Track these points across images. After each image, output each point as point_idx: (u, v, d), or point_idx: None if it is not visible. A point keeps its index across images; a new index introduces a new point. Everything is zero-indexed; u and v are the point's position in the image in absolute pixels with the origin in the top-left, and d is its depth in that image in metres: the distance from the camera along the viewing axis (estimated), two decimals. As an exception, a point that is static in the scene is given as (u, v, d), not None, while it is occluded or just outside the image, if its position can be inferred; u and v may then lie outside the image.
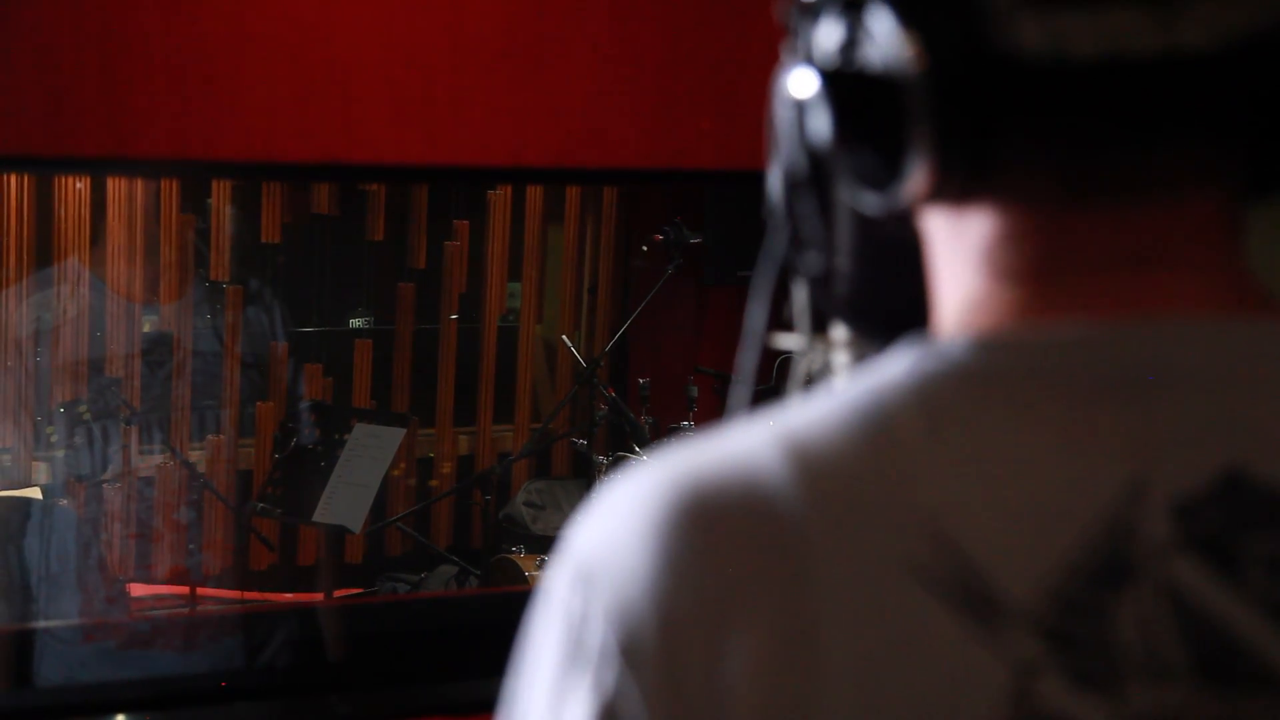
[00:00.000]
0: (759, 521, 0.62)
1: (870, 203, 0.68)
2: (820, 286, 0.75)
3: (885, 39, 0.64)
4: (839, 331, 0.97)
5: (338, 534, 3.29)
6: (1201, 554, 0.61)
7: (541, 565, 3.62)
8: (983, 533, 0.61)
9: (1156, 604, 0.60)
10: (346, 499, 3.12)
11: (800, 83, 0.69)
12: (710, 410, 3.97)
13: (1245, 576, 0.61)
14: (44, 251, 3.83)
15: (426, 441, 4.43)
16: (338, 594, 3.64)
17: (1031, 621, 0.60)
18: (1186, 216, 0.65)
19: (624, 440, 3.88)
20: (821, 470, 0.63)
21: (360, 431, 3.18)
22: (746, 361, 0.83)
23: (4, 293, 3.76)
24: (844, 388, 0.67)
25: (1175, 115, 0.64)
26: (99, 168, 3.07)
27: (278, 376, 3.99)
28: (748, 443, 0.65)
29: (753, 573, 0.62)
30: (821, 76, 0.67)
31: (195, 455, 3.92)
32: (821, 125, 0.68)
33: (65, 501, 3.48)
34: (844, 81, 0.66)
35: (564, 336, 4.29)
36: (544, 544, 3.96)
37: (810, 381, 0.97)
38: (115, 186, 3.81)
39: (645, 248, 4.09)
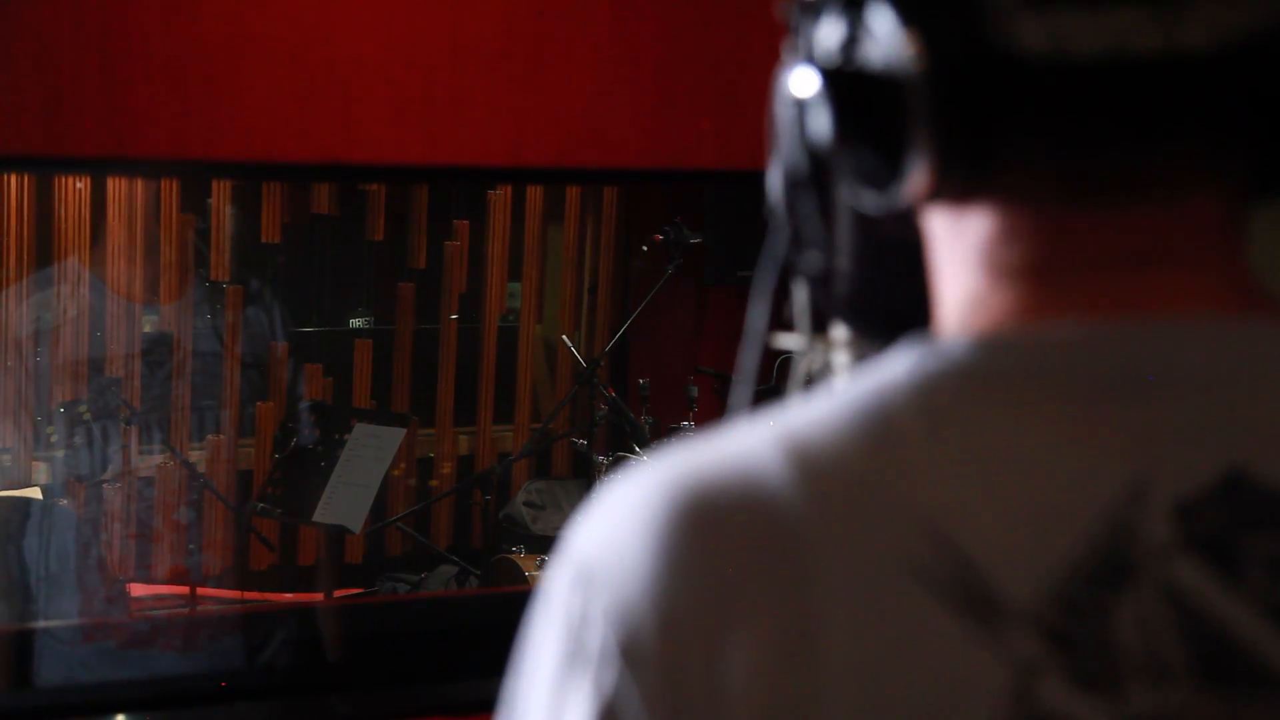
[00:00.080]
0: (759, 522, 0.62)
1: (870, 202, 0.68)
2: (820, 286, 0.75)
3: (886, 38, 0.64)
4: (839, 331, 0.97)
5: (338, 534, 3.29)
6: (1202, 554, 0.61)
7: (541, 565, 3.62)
8: (983, 533, 0.61)
9: (1157, 604, 0.60)
10: (346, 499, 3.12)
11: (801, 81, 0.69)
12: (710, 410, 3.97)
13: (1246, 577, 0.61)
14: (44, 251, 3.82)
15: (426, 441, 4.43)
16: (338, 594, 3.64)
17: (1032, 622, 0.60)
18: (1187, 216, 0.65)
19: (624, 440, 3.88)
20: (822, 471, 0.63)
21: (360, 431, 3.18)
22: (747, 361, 0.83)
23: (4, 293, 3.76)
24: (844, 388, 0.67)
25: (1175, 115, 0.64)
26: (99, 168, 3.07)
27: (278, 376, 3.99)
28: (748, 443, 0.65)
29: (753, 573, 0.62)
30: (822, 75, 0.67)
31: (195, 455, 3.92)
32: (822, 124, 0.68)
33: (65, 501, 3.48)
34: (844, 80, 0.66)
35: (564, 336, 4.29)
36: (544, 544, 3.96)
37: (810, 381, 0.97)
38: (115, 186, 3.81)
39: (645, 248, 4.09)
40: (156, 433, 3.71)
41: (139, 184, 3.78)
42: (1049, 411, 0.63)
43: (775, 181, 0.73)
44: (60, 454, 3.56)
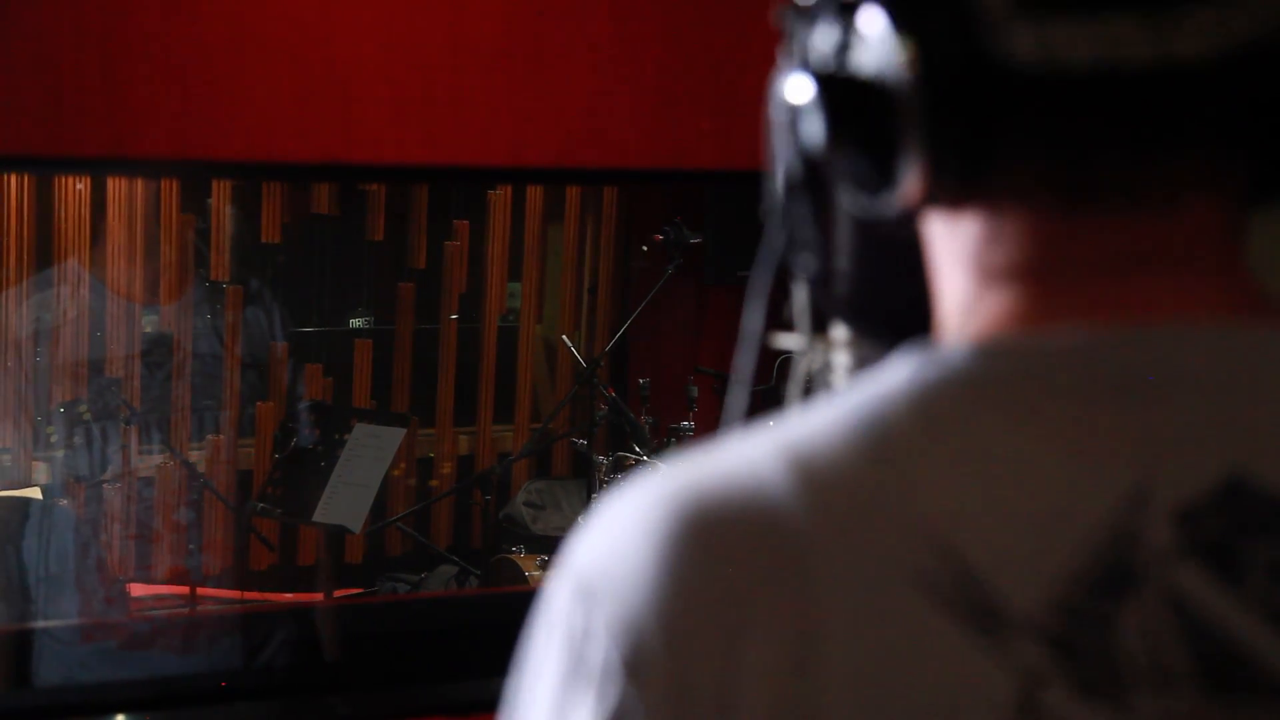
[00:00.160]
0: (762, 533, 0.62)
1: (866, 207, 0.68)
2: (820, 286, 0.75)
3: (879, 44, 0.64)
4: (839, 331, 0.97)
5: (338, 534, 3.29)
6: (1204, 560, 0.61)
7: (541, 565, 3.62)
8: (985, 542, 0.61)
9: (1160, 611, 0.60)
10: (346, 499, 3.11)
11: (795, 87, 0.69)
12: (710, 410, 3.97)
13: (1247, 582, 0.61)
14: (44, 252, 3.82)
15: (426, 441, 4.43)
16: (338, 594, 3.64)
17: (1035, 631, 0.60)
18: (1185, 221, 0.65)
19: (624, 440, 3.88)
20: (823, 480, 0.63)
21: (360, 431, 3.18)
22: (744, 364, 0.83)
23: (4, 293, 3.76)
24: (845, 396, 0.67)
25: (1170, 123, 0.64)
26: (99, 168, 3.07)
27: (277, 376, 3.99)
28: (749, 454, 0.65)
29: (756, 584, 0.61)
30: (816, 81, 0.67)
31: (195, 455, 3.92)
32: (816, 130, 0.68)
33: (65, 502, 3.48)
34: (838, 86, 0.67)
35: (564, 336, 4.29)
36: (544, 544, 3.96)
37: (810, 381, 0.97)
38: (115, 186, 3.81)
39: (645, 248, 4.09)
40: (156, 433, 3.72)
41: (139, 184, 3.78)
42: (1049, 418, 0.63)
43: (773, 184, 0.74)
44: (60, 454, 3.56)
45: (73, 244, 3.82)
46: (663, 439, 3.75)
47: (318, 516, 3.11)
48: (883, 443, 0.64)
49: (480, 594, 3.76)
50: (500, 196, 4.39)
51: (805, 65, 0.68)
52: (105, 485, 3.55)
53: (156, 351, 3.81)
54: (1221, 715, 0.60)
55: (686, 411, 3.82)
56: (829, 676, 0.60)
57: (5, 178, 3.74)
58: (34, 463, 3.69)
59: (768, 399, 3.42)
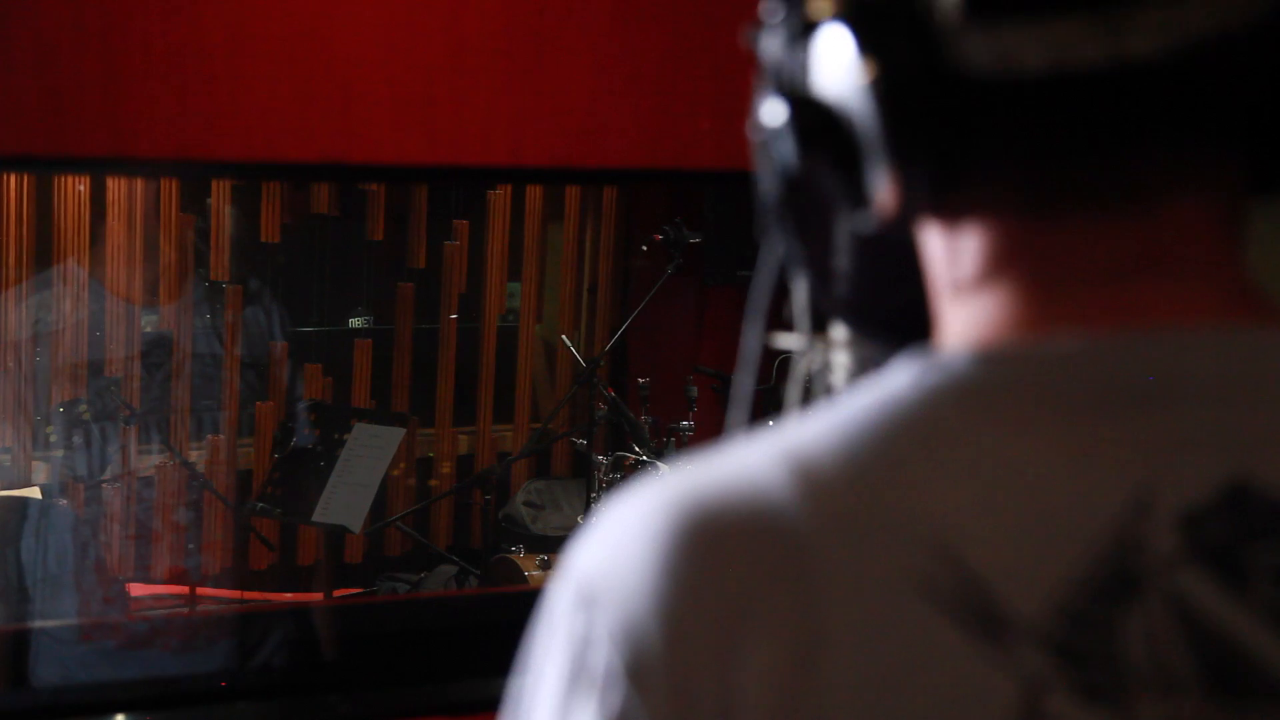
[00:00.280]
0: (764, 539, 0.62)
1: (847, 221, 0.69)
2: (819, 287, 0.75)
3: (842, 64, 0.65)
4: (839, 332, 0.97)
5: (337, 534, 3.29)
6: (1208, 565, 0.61)
7: (541, 565, 3.62)
8: (988, 548, 0.61)
9: (1163, 616, 0.60)
10: (346, 499, 3.12)
11: (767, 110, 0.69)
12: (710, 410, 3.97)
13: (1251, 587, 0.60)
14: (44, 252, 3.82)
15: (426, 441, 4.43)
16: (337, 594, 3.64)
17: (1039, 637, 0.60)
18: (1173, 224, 0.65)
19: (624, 440, 3.88)
20: (826, 487, 0.63)
21: (360, 431, 3.18)
22: (744, 383, 0.83)
23: (4, 293, 3.76)
24: (846, 402, 0.67)
25: (1133, 124, 0.63)
26: (99, 168, 3.07)
27: (277, 376, 3.99)
28: (751, 460, 0.65)
29: (759, 591, 0.61)
30: (784, 103, 0.68)
31: (194, 455, 3.92)
32: (788, 151, 0.68)
33: (64, 502, 3.48)
34: (805, 109, 0.67)
35: (564, 336, 4.29)
36: (544, 544, 3.96)
37: (810, 382, 0.97)
38: (115, 186, 3.81)
39: (645, 248, 4.09)
40: (156, 433, 3.72)
41: (139, 184, 3.78)
42: (1051, 425, 0.63)
43: (764, 193, 0.74)
44: (59, 454, 3.56)
45: (73, 244, 3.82)
46: (662, 439, 3.75)
47: (317, 516, 3.11)
48: (884, 449, 0.63)
49: (480, 594, 3.76)
50: (500, 196, 4.39)
51: (775, 87, 0.69)
52: (105, 485, 3.55)
53: (156, 352, 3.81)
54: (1225, 719, 0.59)
55: (686, 411, 3.82)
56: (831, 683, 0.60)
57: (5, 178, 3.74)
58: (33, 463, 3.69)
59: (768, 399, 3.42)
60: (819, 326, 0.92)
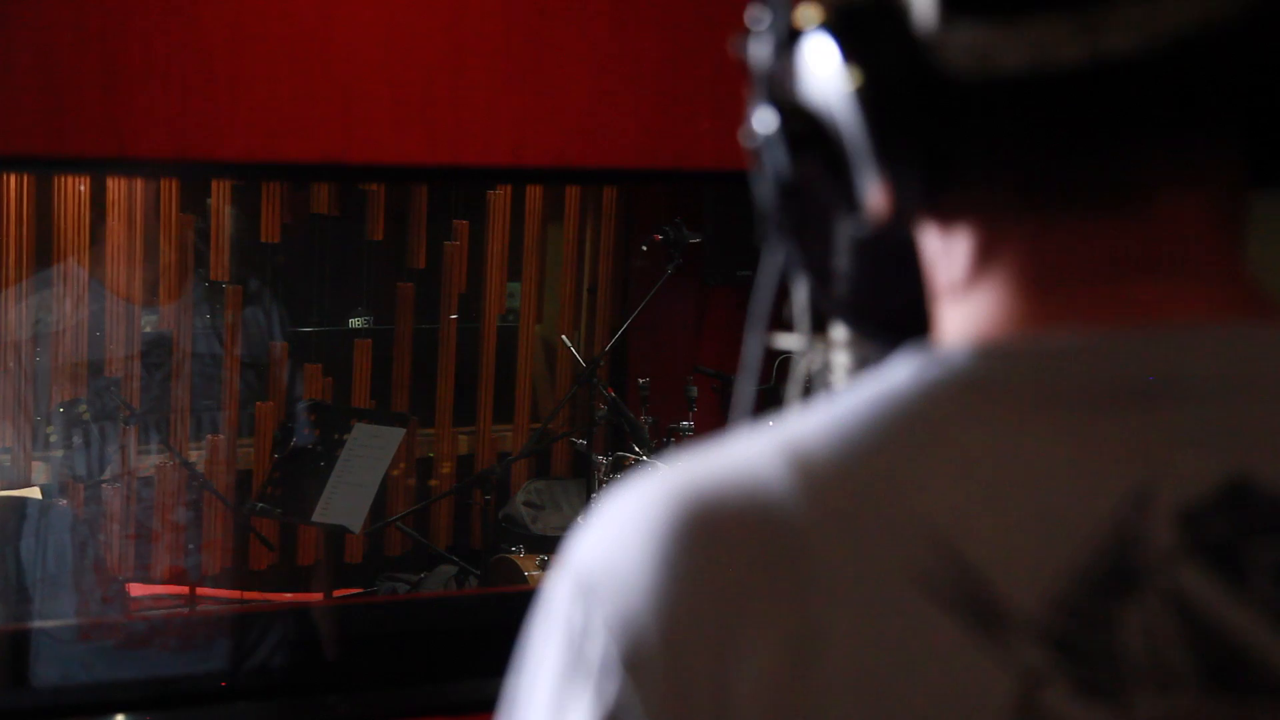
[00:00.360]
0: (762, 532, 0.62)
1: (841, 224, 0.69)
2: (819, 286, 0.76)
3: (826, 72, 0.65)
4: (839, 331, 0.97)
5: (337, 534, 3.29)
6: (1207, 561, 0.61)
7: (541, 565, 3.62)
8: (987, 542, 0.61)
9: (1162, 612, 0.60)
10: (346, 499, 3.12)
11: (758, 118, 0.70)
12: (710, 410, 3.97)
13: (1250, 583, 0.60)
14: (44, 252, 3.82)
15: (426, 441, 4.43)
16: (337, 594, 3.64)
17: (1037, 631, 0.60)
18: (1169, 221, 0.65)
19: (624, 440, 3.88)
20: (824, 480, 0.63)
21: (360, 431, 3.18)
22: (745, 394, 0.83)
23: (4, 293, 3.76)
24: (845, 396, 0.67)
25: (1118, 122, 0.64)
26: (99, 168, 3.07)
27: (277, 376, 3.99)
28: (750, 453, 0.65)
29: (757, 583, 0.61)
30: (774, 111, 0.68)
31: (194, 455, 3.92)
32: (781, 158, 0.69)
33: (64, 502, 3.48)
34: (794, 117, 0.68)
35: (564, 336, 4.29)
36: (544, 544, 3.96)
37: (810, 381, 0.97)
38: (115, 186, 3.81)
39: (645, 248, 4.09)
40: (155, 433, 3.72)
41: (139, 184, 3.78)
42: (1051, 420, 0.63)
43: (762, 199, 0.74)
44: (59, 454, 3.56)
45: (73, 244, 3.82)
46: (662, 439, 3.75)
47: (317, 516, 3.11)
48: (883, 443, 0.64)
49: (480, 594, 3.76)
50: (500, 196, 4.39)
51: (764, 95, 0.69)
52: (104, 485, 3.55)
53: (156, 352, 3.81)
54: (1223, 715, 0.60)
55: (686, 411, 3.82)
56: (828, 675, 0.60)
57: (5, 178, 3.74)
58: (33, 463, 3.69)
59: (768, 399, 3.42)
60: (819, 327, 0.92)
